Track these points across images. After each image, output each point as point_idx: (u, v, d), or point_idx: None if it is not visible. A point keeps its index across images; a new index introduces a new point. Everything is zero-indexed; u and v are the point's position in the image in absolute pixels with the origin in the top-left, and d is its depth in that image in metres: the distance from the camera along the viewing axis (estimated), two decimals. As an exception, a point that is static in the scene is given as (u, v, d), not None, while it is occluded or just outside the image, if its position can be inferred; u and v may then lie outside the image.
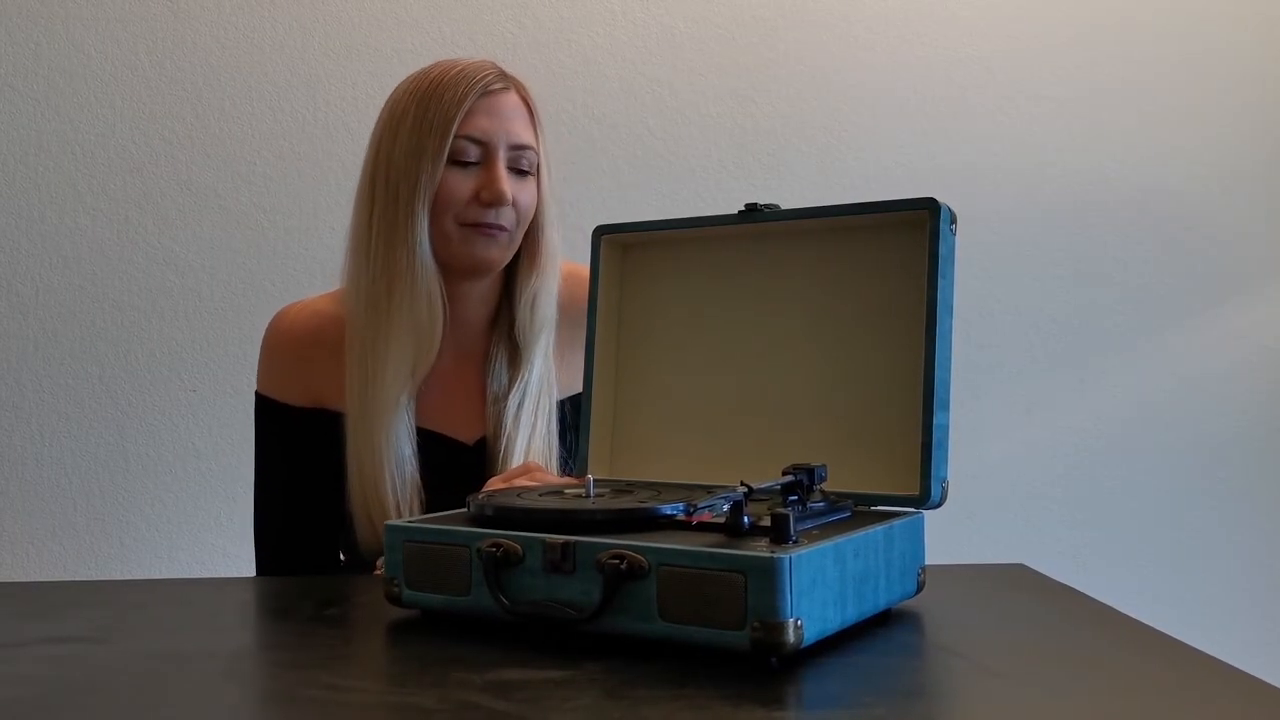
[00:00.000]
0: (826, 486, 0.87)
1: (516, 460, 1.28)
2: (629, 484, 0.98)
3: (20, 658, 0.81)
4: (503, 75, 1.27)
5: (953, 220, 0.92)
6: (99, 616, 0.93)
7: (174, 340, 2.09)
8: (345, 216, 1.32)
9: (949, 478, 0.90)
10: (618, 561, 0.75)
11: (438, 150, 1.22)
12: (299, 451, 1.31)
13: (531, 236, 1.31)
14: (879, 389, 0.95)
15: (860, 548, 0.80)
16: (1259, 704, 0.68)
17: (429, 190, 1.23)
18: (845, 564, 0.78)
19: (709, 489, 0.89)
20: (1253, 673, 0.72)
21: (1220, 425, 2.30)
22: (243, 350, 2.06)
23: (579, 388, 1.35)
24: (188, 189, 2.09)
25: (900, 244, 0.94)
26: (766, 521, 0.76)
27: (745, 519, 0.78)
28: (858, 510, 0.89)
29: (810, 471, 0.84)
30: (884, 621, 0.86)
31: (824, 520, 0.84)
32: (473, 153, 1.24)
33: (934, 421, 0.89)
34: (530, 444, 1.30)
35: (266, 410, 1.32)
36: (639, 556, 0.75)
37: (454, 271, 1.28)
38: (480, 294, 1.33)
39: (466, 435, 1.31)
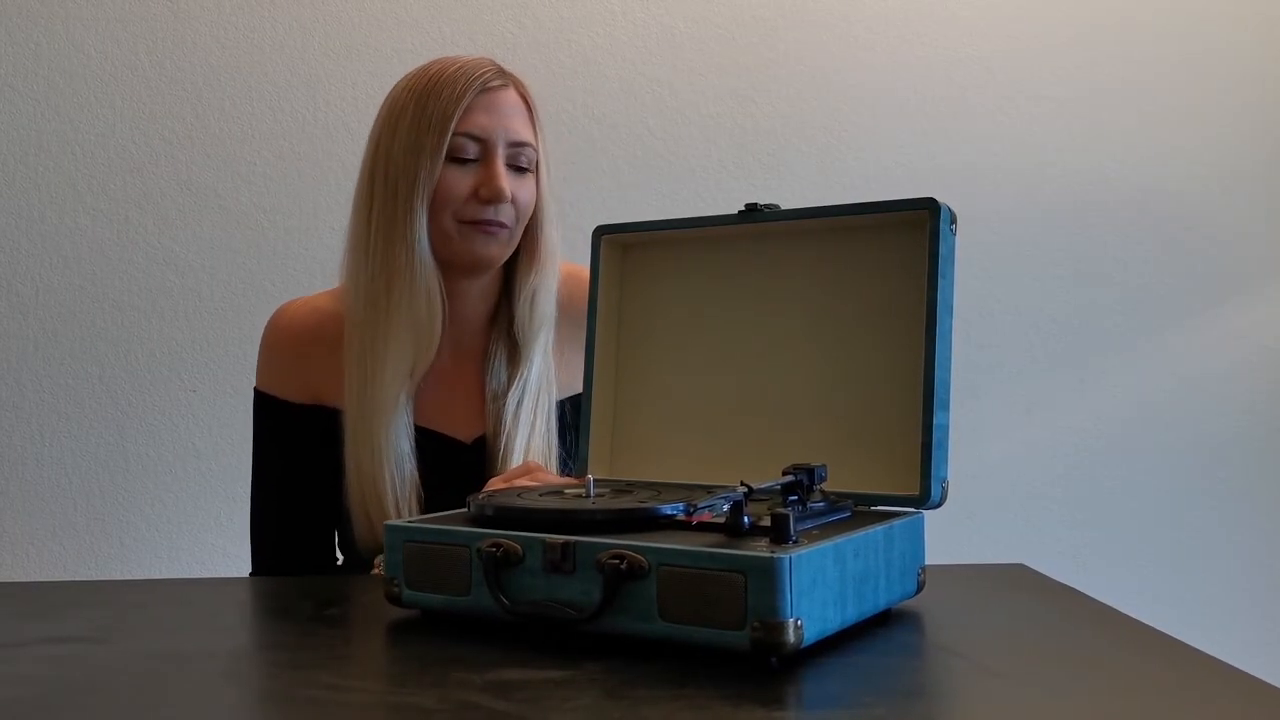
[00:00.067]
0: (826, 486, 0.87)
1: (516, 458, 1.28)
2: (629, 484, 0.98)
3: (20, 658, 0.81)
4: (501, 72, 1.27)
5: (953, 220, 0.92)
6: (99, 616, 0.93)
7: (174, 340, 2.09)
8: (345, 216, 1.32)
9: (949, 478, 0.90)
10: (618, 561, 0.75)
11: (436, 147, 1.22)
12: (297, 448, 1.31)
13: (531, 234, 1.31)
14: (879, 389, 0.95)
15: (860, 548, 0.80)
16: (1259, 704, 0.68)
17: (428, 187, 1.23)
18: (845, 564, 0.78)
19: (709, 489, 0.89)
20: (1253, 673, 0.72)
21: (1220, 425, 2.30)
22: (243, 350, 2.06)
23: (578, 388, 1.35)
24: (188, 189, 2.09)
25: (900, 244, 0.94)
26: (766, 521, 0.76)
27: (745, 519, 0.78)
28: (858, 510, 0.89)
29: (810, 471, 0.84)
30: (884, 621, 0.86)
31: (824, 520, 0.84)
32: (471, 150, 1.24)
33: (934, 421, 0.89)
34: (530, 442, 1.30)
35: (265, 406, 1.32)
36: (639, 556, 0.75)
37: (453, 268, 1.28)
38: (479, 291, 1.32)
39: (465, 434, 1.31)
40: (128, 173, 2.08)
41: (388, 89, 1.31)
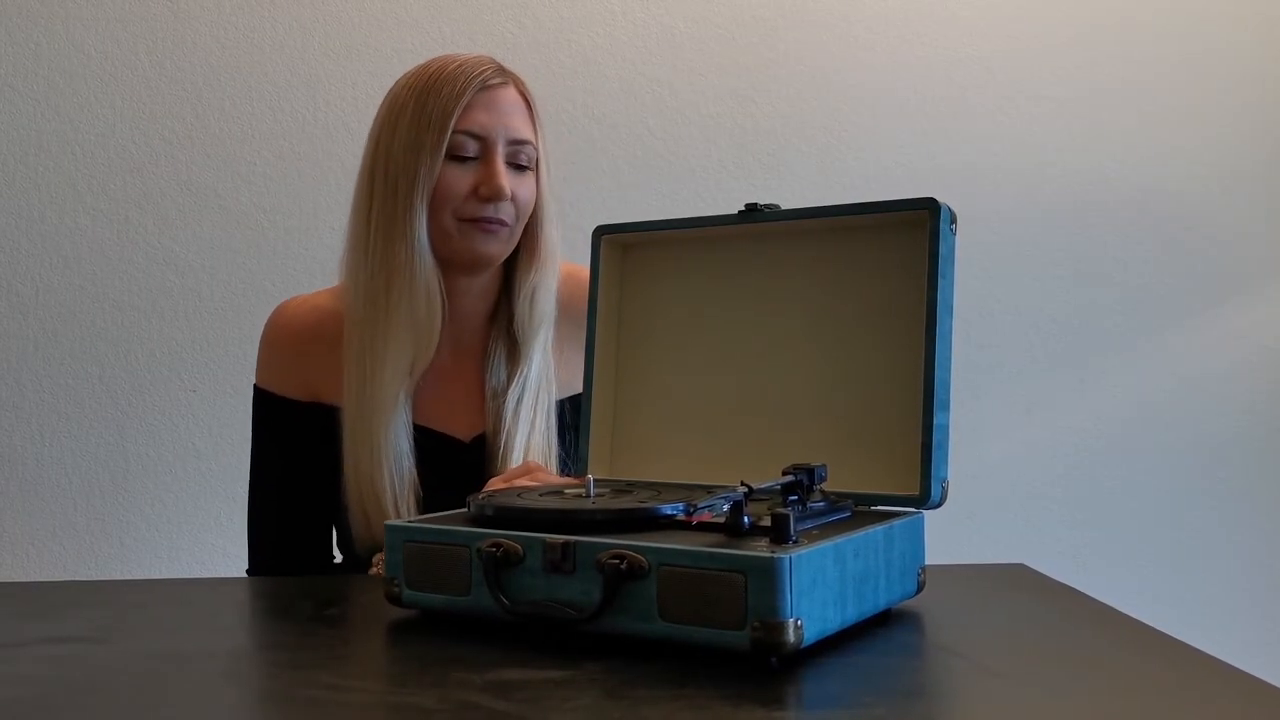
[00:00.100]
0: (826, 486, 0.87)
1: (516, 455, 1.28)
2: (629, 484, 0.98)
3: (20, 658, 0.81)
4: (501, 70, 1.27)
5: (953, 220, 0.92)
6: (99, 616, 0.93)
7: (174, 340, 2.09)
8: (345, 216, 1.32)
9: (949, 478, 0.90)
10: (618, 561, 0.75)
11: (436, 145, 1.22)
12: (296, 445, 1.31)
13: (531, 232, 1.31)
14: (879, 389, 0.95)
15: (860, 548, 0.80)
16: (1259, 704, 0.68)
17: (427, 185, 1.23)
18: (845, 564, 0.78)
19: (709, 489, 0.89)
20: (1253, 673, 0.72)
21: (1220, 425, 2.30)
22: (243, 350, 2.06)
23: (577, 387, 1.35)
24: (188, 189, 2.09)
25: (900, 244, 0.94)
26: (766, 521, 0.76)
27: (745, 519, 0.78)
28: (858, 510, 0.89)
29: (810, 471, 0.84)
30: (884, 621, 0.86)
31: (824, 520, 0.84)
32: (471, 148, 1.24)
33: (934, 421, 0.89)
34: (530, 440, 1.29)
35: (264, 403, 1.32)
36: (639, 556, 0.75)
37: (453, 266, 1.28)
38: (479, 289, 1.32)
39: (464, 432, 1.31)
40: (128, 173, 2.08)
41: (388, 89, 1.31)
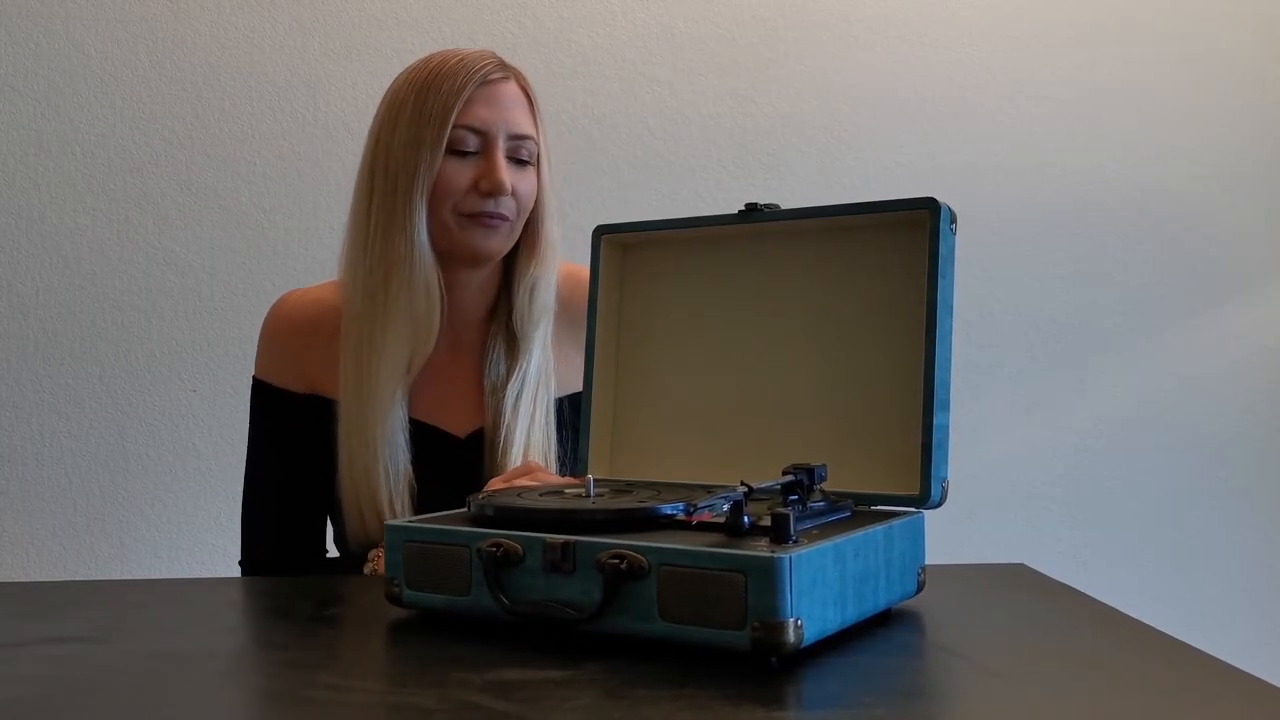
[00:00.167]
0: (826, 486, 0.87)
1: (516, 450, 1.28)
2: (629, 484, 0.98)
3: (20, 658, 0.81)
4: (502, 65, 1.27)
5: (953, 220, 0.92)
6: (99, 616, 0.93)
7: (174, 340, 2.09)
8: (345, 216, 1.32)
9: (949, 478, 0.90)
10: (618, 561, 0.75)
11: (436, 140, 1.22)
12: (293, 438, 1.31)
13: (531, 227, 1.31)
14: (879, 389, 0.94)
15: (860, 548, 0.80)
16: (1259, 704, 0.68)
17: (428, 180, 1.23)
18: (845, 564, 0.78)
19: (709, 489, 0.89)
20: (1253, 673, 0.72)
21: (1220, 425, 2.30)
22: (243, 350, 2.06)
23: (575, 386, 1.35)
24: (188, 189, 2.09)
25: (900, 244, 0.94)
26: (766, 521, 0.76)
27: (745, 519, 0.78)
28: (858, 510, 0.89)
29: (810, 471, 0.84)
30: (884, 621, 0.86)
31: (824, 520, 0.84)
32: (472, 142, 1.24)
33: (934, 421, 0.89)
34: (530, 435, 1.29)
35: (263, 394, 1.32)
36: (639, 556, 0.75)
37: (452, 261, 1.27)
38: (478, 284, 1.32)
39: (459, 428, 1.31)
40: (128, 173, 2.08)
41: (387, 88, 1.31)
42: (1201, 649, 0.77)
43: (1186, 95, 2.29)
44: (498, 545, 0.81)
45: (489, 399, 1.30)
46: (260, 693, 0.75)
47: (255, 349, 1.35)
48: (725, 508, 0.78)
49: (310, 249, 2.10)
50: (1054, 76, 2.26)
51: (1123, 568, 2.28)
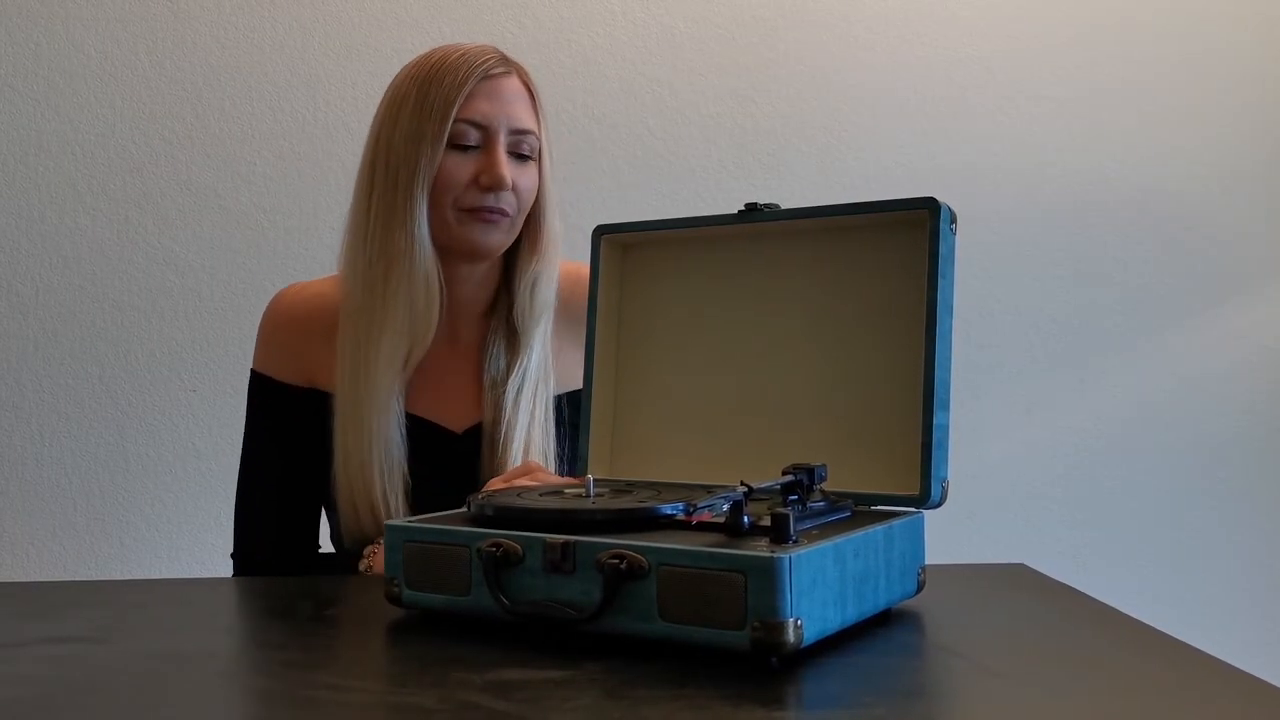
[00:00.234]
0: (826, 486, 0.87)
1: (516, 446, 1.27)
2: (629, 484, 0.98)
3: (20, 658, 0.81)
4: (504, 60, 1.27)
5: (953, 220, 0.92)
6: (99, 616, 0.93)
7: (174, 340, 2.09)
8: (345, 216, 1.32)
9: (949, 478, 0.90)
10: (618, 561, 0.75)
11: (437, 134, 1.22)
12: (289, 431, 1.30)
13: (533, 222, 1.31)
14: (879, 389, 0.94)
15: (860, 547, 0.80)
16: (1259, 704, 0.68)
17: (428, 174, 1.22)
18: (845, 564, 0.78)
19: (709, 489, 0.89)
20: (1253, 673, 0.72)
21: (1220, 425, 2.30)
22: (243, 350, 2.06)
23: (573, 384, 1.35)
24: (188, 189, 2.09)
25: (900, 244, 0.94)
26: (766, 521, 0.76)
27: (745, 519, 0.78)
28: (858, 510, 0.89)
29: (810, 471, 0.84)
30: (884, 621, 0.86)
31: (824, 520, 0.84)
32: (473, 136, 1.24)
33: (934, 421, 0.89)
34: (529, 431, 1.29)
35: (260, 387, 1.32)
36: (639, 556, 0.75)
37: (452, 256, 1.27)
38: (478, 279, 1.32)
39: (457, 424, 1.31)
40: (128, 173, 2.08)
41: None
42: (1201, 649, 0.77)
43: (1186, 95, 2.29)
44: (498, 545, 0.81)
45: (488, 394, 1.30)
46: (260, 693, 0.75)
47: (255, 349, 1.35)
48: (725, 508, 0.78)
49: (310, 249, 2.10)
50: (1054, 76, 2.26)
51: (1123, 568, 2.28)
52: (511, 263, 1.33)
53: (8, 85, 2.06)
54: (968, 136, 2.25)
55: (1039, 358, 2.28)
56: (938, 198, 0.91)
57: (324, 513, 1.35)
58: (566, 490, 0.94)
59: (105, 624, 0.91)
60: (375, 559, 1.20)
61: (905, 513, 0.88)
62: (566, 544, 0.78)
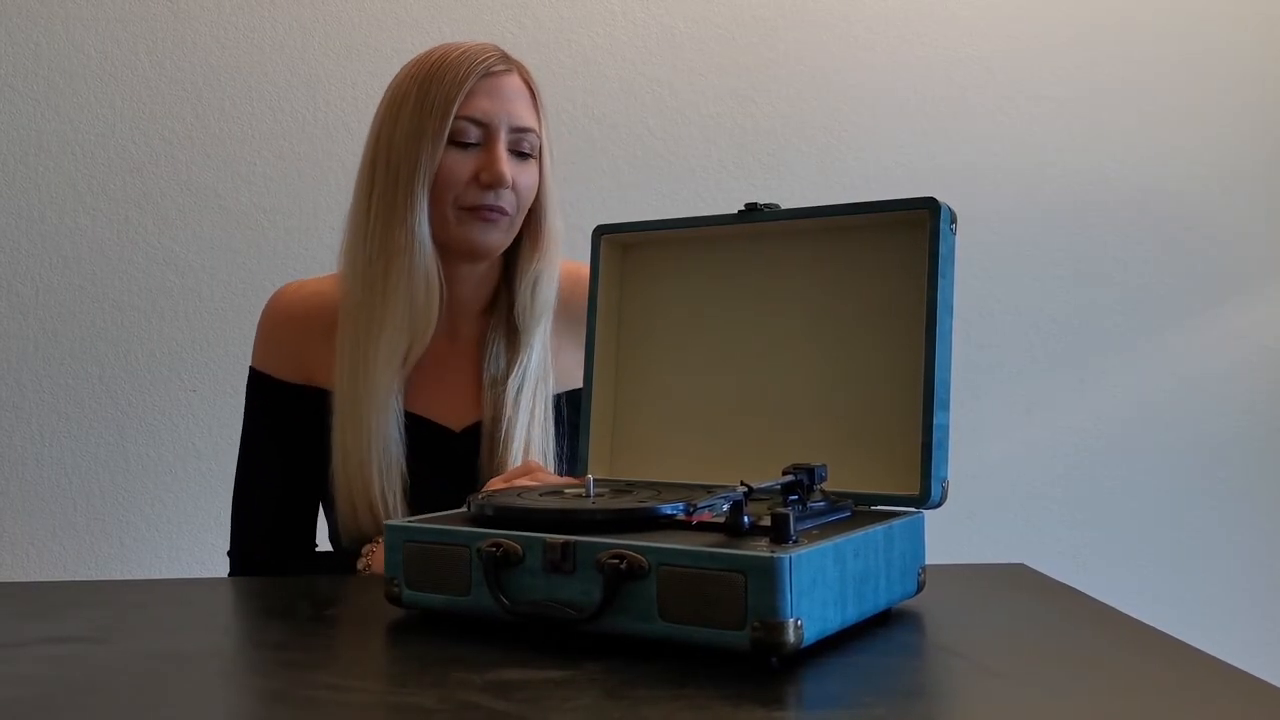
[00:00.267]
0: (826, 486, 0.87)
1: (517, 444, 1.27)
2: (629, 484, 0.98)
3: (20, 658, 0.81)
4: (505, 58, 1.27)
5: (953, 220, 0.92)
6: (99, 616, 0.93)
7: (174, 340, 2.09)
8: (345, 216, 1.32)
9: (949, 478, 0.90)
10: (618, 561, 0.75)
11: (438, 131, 1.22)
12: (288, 428, 1.30)
13: (534, 220, 1.30)
14: (879, 389, 0.94)
15: (860, 548, 0.80)
16: (1259, 704, 0.68)
17: (429, 171, 1.22)
18: (845, 564, 0.78)
19: (709, 489, 0.89)
20: (1253, 673, 0.72)
21: (1220, 425, 2.30)
22: (243, 350, 2.04)
23: (572, 383, 1.35)
24: (188, 189, 2.09)
25: (900, 244, 0.94)
26: (766, 521, 0.76)
27: (745, 519, 0.78)
28: (858, 510, 0.89)
29: (810, 471, 0.84)
30: (884, 621, 0.86)
31: (824, 520, 0.84)
32: (473, 134, 1.24)
33: (934, 421, 0.89)
34: (530, 430, 1.29)
35: (259, 385, 1.32)
36: (639, 556, 0.75)
37: (451, 254, 1.27)
38: (478, 278, 1.32)
39: (455, 422, 1.31)
40: (128, 173, 2.08)
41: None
42: (1201, 649, 0.77)
43: (1186, 95, 2.29)
44: (498, 545, 0.81)
45: (487, 392, 1.30)
46: (260, 693, 0.75)
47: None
48: (725, 508, 0.78)
49: (310, 249, 2.10)
50: (1054, 76, 2.26)
51: (1123, 568, 2.28)
52: (512, 261, 1.32)
53: (8, 85, 2.06)
54: (968, 136, 2.25)
55: (1039, 358, 2.28)
56: (938, 198, 0.91)
57: (321, 511, 1.35)
58: (566, 490, 0.94)
59: (105, 624, 0.91)
60: (373, 557, 1.20)
61: (905, 513, 0.88)
62: (566, 544, 0.78)
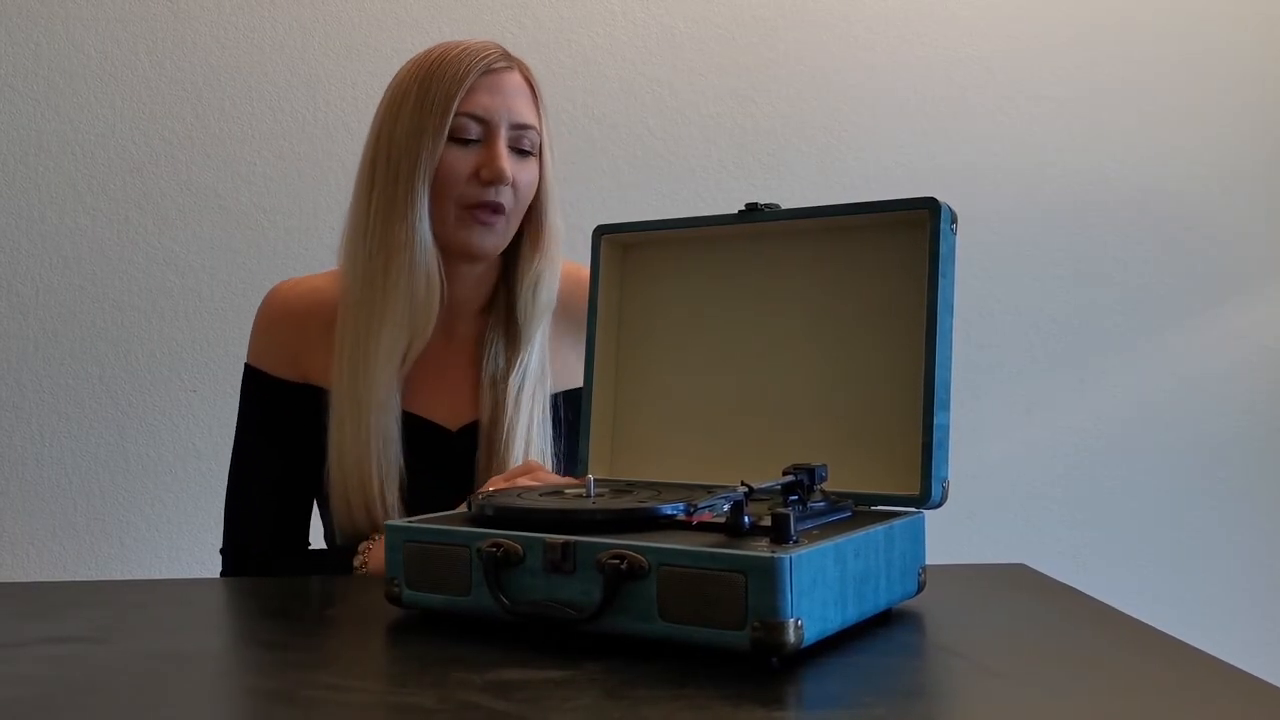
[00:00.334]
0: (827, 486, 0.87)
1: (518, 444, 1.27)
2: (629, 484, 0.98)
3: (20, 658, 0.81)
4: (506, 55, 1.27)
5: (953, 220, 0.92)
6: (99, 616, 0.93)
7: (174, 340, 2.09)
8: (345, 216, 1.32)
9: (949, 478, 0.90)
10: (618, 561, 0.75)
11: (439, 128, 1.22)
12: (283, 426, 1.30)
13: (534, 219, 1.30)
14: (879, 389, 0.94)
15: (860, 548, 0.80)
16: (1259, 704, 0.68)
17: (429, 167, 1.22)
18: (845, 564, 0.78)
19: (709, 489, 0.89)
20: (1253, 673, 0.72)
21: (1220, 425, 2.30)
22: (243, 350, 2.05)
23: (569, 383, 1.35)
24: (188, 189, 2.09)
25: (900, 244, 0.94)
26: (767, 521, 0.76)
27: (745, 519, 0.78)
28: (858, 510, 0.89)
29: (810, 471, 0.84)
30: (884, 621, 0.86)
31: (824, 520, 0.84)
32: (474, 130, 1.23)
33: (934, 421, 0.89)
34: (530, 430, 1.29)
35: (254, 382, 1.32)
36: (639, 556, 0.75)
37: (450, 255, 1.27)
38: (476, 277, 1.31)
39: (451, 421, 1.31)
40: (128, 173, 2.08)
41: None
42: (1201, 649, 0.77)
43: (1186, 95, 2.29)
44: (498, 545, 0.81)
45: (486, 392, 1.30)
46: (260, 693, 0.75)
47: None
48: (725, 508, 0.78)
49: (310, 249, 2.10)
50: (1054, 76, 2.26)
51: (1123, 568, 2.28)
52: (512, 260, 1.32)
53: (8, 85, 2.06)
54: (968, 136, 2.25)
55: (1039, 358, 2.28)
56: (938, 198, 0.91)
57: (316, 509, 1.35)
58: (567, 490, 0.94)
59: (105, 624, 0.91)
60: (370, 555, 1.20)
61: (905, 513, 0.88)
62: (567, 544, 0.78)
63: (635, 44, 2.18)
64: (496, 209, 1.24)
